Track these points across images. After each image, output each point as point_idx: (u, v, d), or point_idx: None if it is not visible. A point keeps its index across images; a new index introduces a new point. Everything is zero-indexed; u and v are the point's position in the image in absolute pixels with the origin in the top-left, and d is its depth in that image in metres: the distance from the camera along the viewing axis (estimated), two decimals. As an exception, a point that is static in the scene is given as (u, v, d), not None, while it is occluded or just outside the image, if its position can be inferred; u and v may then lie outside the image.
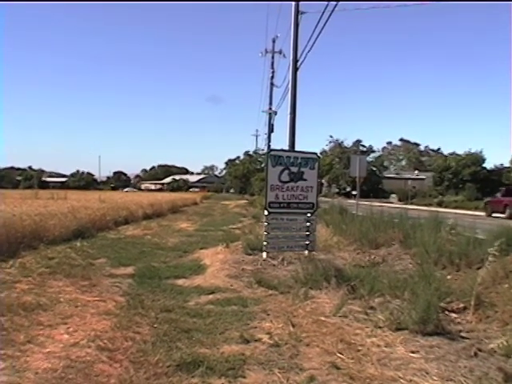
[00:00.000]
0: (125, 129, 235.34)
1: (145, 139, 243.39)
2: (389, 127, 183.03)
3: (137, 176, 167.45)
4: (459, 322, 6.48)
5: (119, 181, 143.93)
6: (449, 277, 8.65)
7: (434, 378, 4.63)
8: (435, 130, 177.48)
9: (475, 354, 5.26)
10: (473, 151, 67.24)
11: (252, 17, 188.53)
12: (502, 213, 30.93)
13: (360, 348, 5.45)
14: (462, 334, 5.97)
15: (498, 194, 34.95)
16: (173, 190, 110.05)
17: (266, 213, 10.40)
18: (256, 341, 5.76)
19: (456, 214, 25.18)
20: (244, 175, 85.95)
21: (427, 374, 4.72)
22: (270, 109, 39.70)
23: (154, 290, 8.44)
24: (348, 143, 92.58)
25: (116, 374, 4.66)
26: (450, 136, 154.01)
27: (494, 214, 31.98)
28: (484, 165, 66.16)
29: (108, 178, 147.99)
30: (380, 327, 6.13)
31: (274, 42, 39.82)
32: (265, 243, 10.30)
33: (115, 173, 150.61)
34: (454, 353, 5.30)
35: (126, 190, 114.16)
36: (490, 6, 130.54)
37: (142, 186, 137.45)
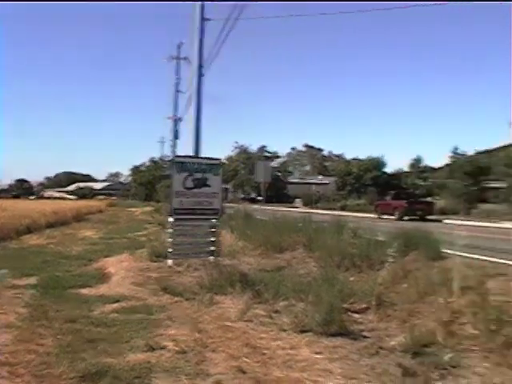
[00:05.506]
0: (25, 134, 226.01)
1: (48, 145, 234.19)
2: (294, 133, 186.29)
3: (40, 184, 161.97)
4: (362, 322, 6.66)
5: (22, 189, 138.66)
6: (351, 278, 8.87)
7: (338, 377, 4.73)
8: (340, 137, 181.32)
9: (377, 352, 5.44)
10: (374, 156, 69.18)
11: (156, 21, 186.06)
12: (391, 215, 33.19)
13: (265, 351, 5.47)
14: (365, 334, 6.14)
15: (388, 198, 37.35)
16: (79, 197, 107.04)
17: (171, 219, 10.31)
18: (162, 348, 5.66)
19: (358, 217, 26.26)
20: (149, 182, 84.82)
21: (331, 373, 4.81)
22: (175, 115, 39.52)
23: (57, 301, 8.12)
24: (253, 149, 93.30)
25: (16, 389, 4.46)
26: (353, 142, 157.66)
27: (383, 216, 34.25)
28: (385, 169, 68.17)
29: (10, 185, 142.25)
30: (285, 330, 6.19)
31: (179, 48, 39.70)
32: (170, 250, 10.20)
33: (18, 180, 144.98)
34: (356, 352, 5.45)
35: (31, 197, 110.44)
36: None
37: (45, 194, 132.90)
